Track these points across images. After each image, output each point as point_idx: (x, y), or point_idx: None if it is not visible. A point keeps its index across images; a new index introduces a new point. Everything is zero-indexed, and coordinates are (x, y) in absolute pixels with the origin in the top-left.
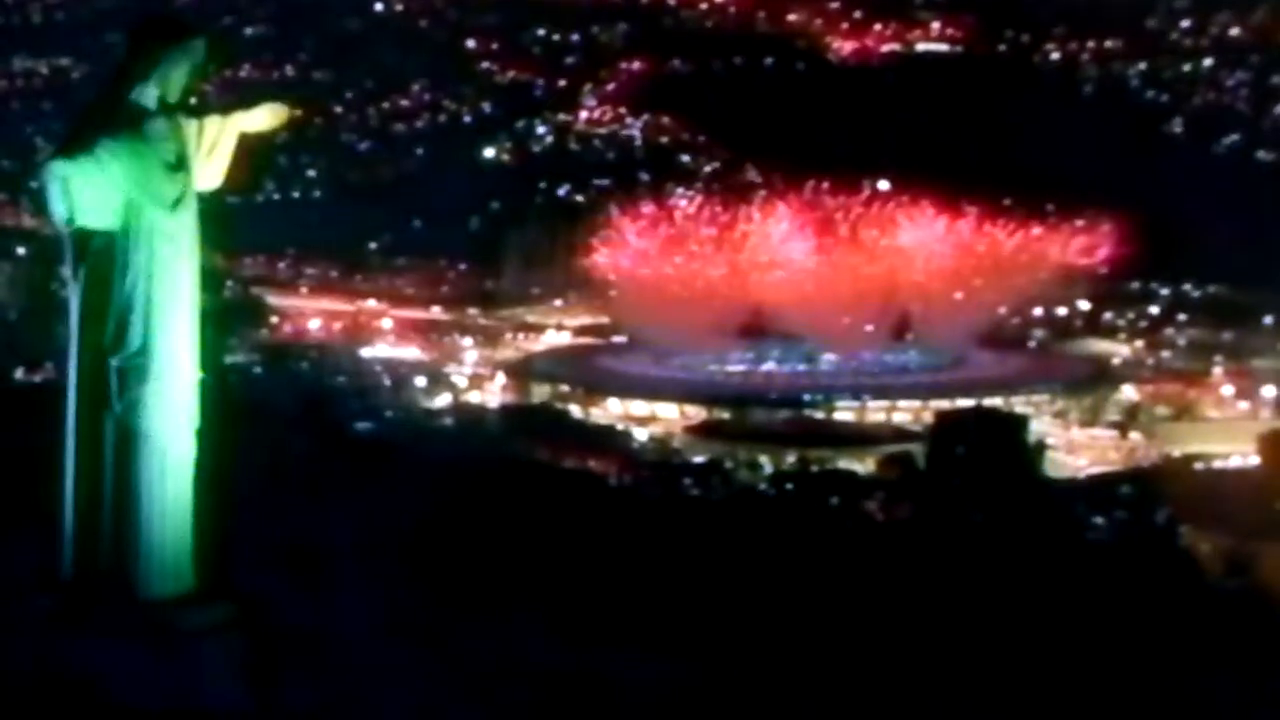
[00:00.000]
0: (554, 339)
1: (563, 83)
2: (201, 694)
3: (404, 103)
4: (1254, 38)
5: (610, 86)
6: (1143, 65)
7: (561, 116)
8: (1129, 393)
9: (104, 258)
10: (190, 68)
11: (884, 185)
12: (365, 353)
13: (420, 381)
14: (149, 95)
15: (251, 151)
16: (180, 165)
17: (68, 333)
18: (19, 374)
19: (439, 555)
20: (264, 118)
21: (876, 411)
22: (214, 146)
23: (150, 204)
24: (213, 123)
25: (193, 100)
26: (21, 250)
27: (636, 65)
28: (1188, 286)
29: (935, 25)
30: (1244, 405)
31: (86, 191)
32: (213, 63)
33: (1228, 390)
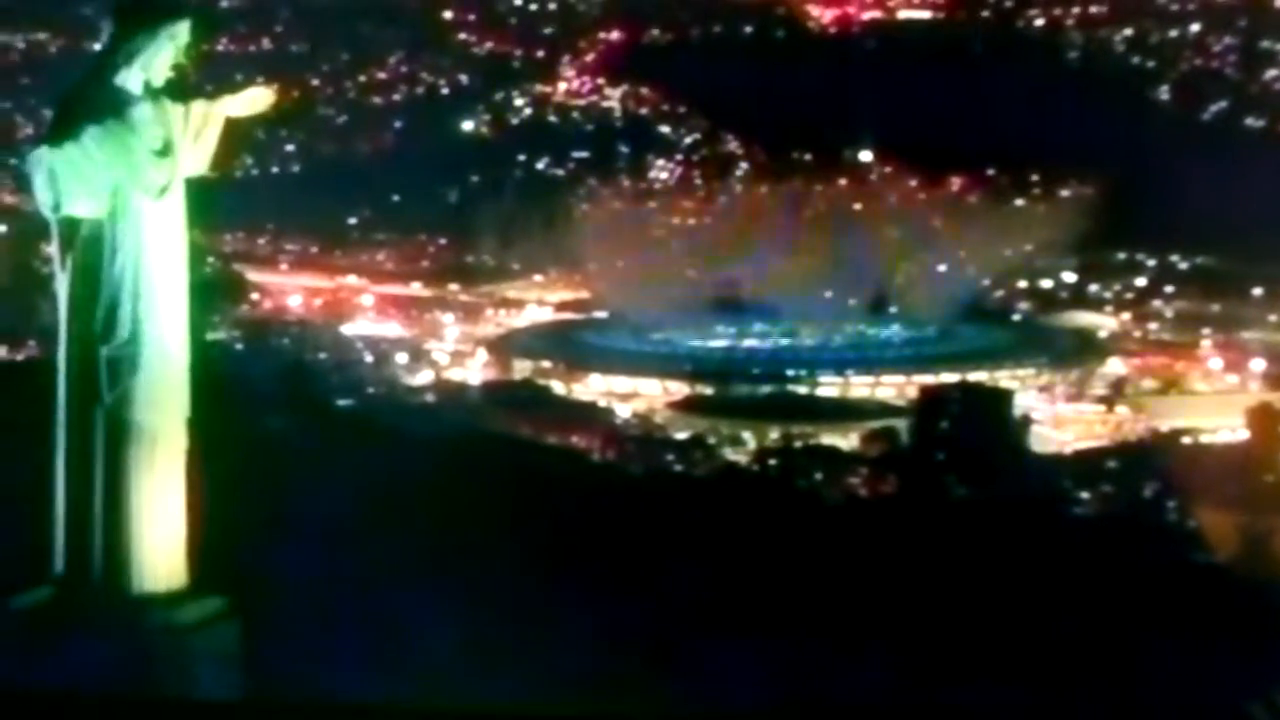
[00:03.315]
0: (535, 314)
1: (540, 54)
2: (195, 687)
3: (381, 76)
4: (1242, 1)
5: (588, 57)
6: (1128, 31)
7: (539, 88)
8: (1115, 366)
9: (92, 246)
10: (174, 50)
11: (865, 156)
12: (346, 329)
13: (401, 358)
14: (134, 79)
15: (233, 130)
16: (167, 151)
17: (53, 314)
18: (2, 352)
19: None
20: (251, 102)
21: (860, 386)
22: (200, 131)
23: (137, 191)
24: (199, 107)
25: (178, 83)
26: (2, 228)
27: (615, 35)
28: (1175, 257)
29: None
30: (1233, 378)
31: (73, 179)
32: (197, 43)
33: (1216, 363)
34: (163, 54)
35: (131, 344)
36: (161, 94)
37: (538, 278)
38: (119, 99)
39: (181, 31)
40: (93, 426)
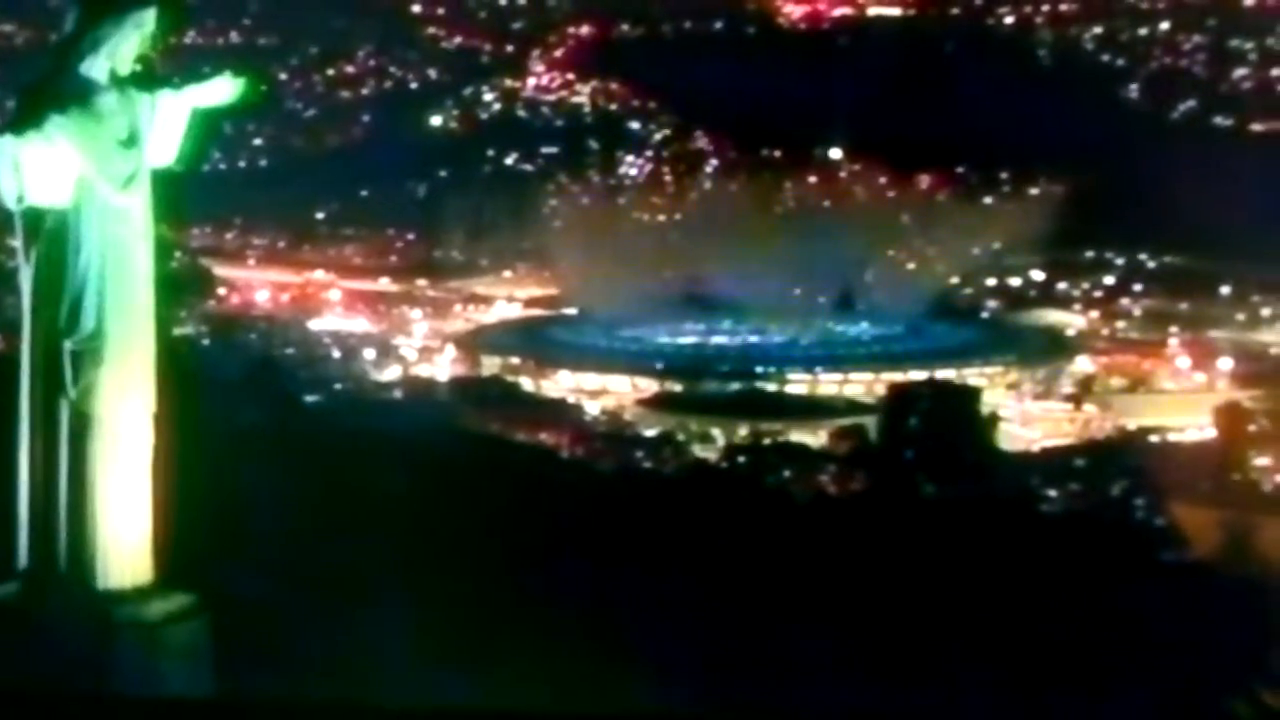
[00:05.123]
0: (504, 310)
1: (510, 49)
2: (163, 683)
3: (350, 69)
4: (1211, 0)
5: (558, 53)
6: (1098, 28)
7: (509, 83)
8: (1084, 364)
9: (56, 238)
10: (140, 39)
11: (835, 153)
12: (314, 325)
13: (369, 354)
14: (99, 68)
15: (200, 122)
16: (132, 141)
17: (17, 307)
18: None
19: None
20: (219, 91)
21: (829, 383)
22: (167, 121)
23: (102, 181)
24: (166, 97)
25: (144, 73)
26: None
27: (584, 30)
28: (1143, 256)
29: None
30: (1200, 377)
31: (36, 170)
32: (164, 32)
33: (1184, 362)
34: (129, 43)
35: (96, 337)
36: (127, 84)
37: (507, 274)
38: (84, 88)
39: (148, 20)
40: (57, 421)
